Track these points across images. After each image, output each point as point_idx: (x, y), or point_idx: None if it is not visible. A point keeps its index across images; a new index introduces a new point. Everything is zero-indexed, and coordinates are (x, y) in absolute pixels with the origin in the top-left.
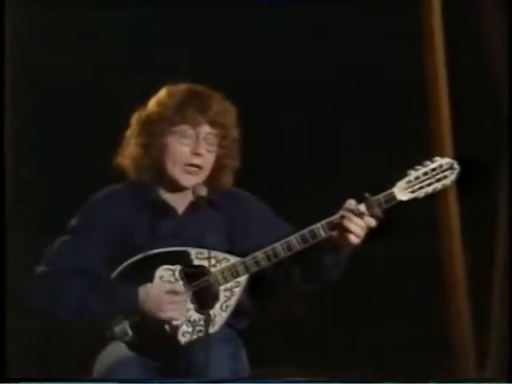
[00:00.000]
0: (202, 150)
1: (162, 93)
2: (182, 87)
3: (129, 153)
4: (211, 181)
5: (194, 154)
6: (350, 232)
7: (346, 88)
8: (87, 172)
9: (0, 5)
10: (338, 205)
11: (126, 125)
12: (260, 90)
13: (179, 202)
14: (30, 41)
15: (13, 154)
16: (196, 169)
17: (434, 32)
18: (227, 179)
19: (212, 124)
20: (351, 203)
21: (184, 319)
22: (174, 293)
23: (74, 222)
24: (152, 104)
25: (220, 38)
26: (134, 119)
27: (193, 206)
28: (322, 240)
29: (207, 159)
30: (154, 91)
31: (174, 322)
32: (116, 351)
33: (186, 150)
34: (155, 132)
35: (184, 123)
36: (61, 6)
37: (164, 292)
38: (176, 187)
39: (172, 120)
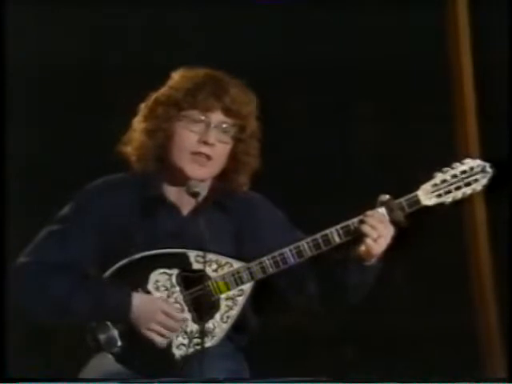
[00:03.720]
0: (211, 139)
1: (176, 74)
2: (200, 71)
3: (132, 139)
4: (225, 180)
5: (201, 143)
6: (366, 236)
7: (365, 82)
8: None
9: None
10: (355, 208)
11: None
12: (270, 85)
13: (186, 203)
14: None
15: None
16: (205, 159)
17: (459, 27)
18: (243, 180)
19: (227, 112)
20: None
21: (168, 340)
22: (171, 316)
23: (65, 210)
24: (164, 86)
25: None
26: (143, 104)
27: (199, 208)
28: (348, 256)
29: (218, 151)
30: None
31: (157, 341)
32: (102, 365)
33: (194, 137)
34: (162, 116)
35: (194, 108)
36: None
37: (160, 310)
38: (181, 179)
39: (181, 104)
